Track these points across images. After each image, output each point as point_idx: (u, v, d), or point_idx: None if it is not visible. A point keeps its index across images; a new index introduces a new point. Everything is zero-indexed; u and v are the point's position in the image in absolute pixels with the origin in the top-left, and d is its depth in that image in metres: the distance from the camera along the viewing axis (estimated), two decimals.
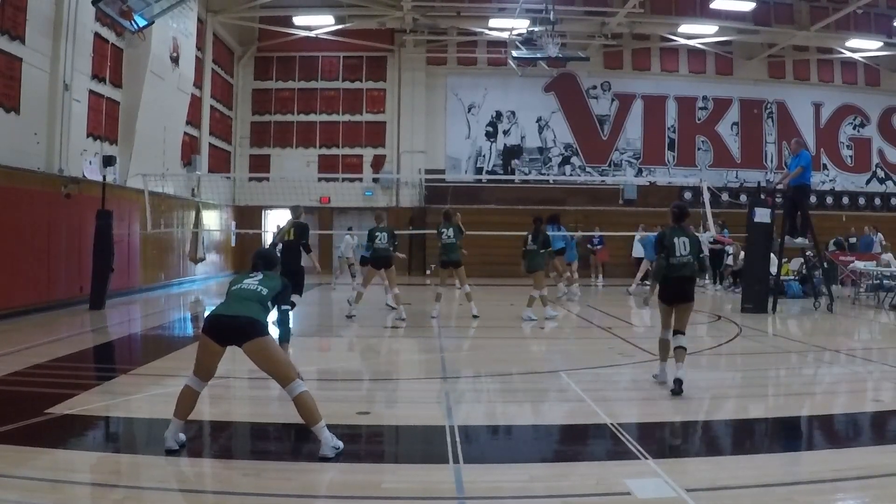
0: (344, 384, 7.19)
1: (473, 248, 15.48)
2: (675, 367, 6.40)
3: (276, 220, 24.37)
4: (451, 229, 11.77)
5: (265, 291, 4.88)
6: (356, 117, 24.81)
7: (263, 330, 4.68)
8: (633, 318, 13.70)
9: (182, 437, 4.73)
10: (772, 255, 13.56)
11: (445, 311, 13.06)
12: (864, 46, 23.48)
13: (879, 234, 21.14)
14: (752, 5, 20.74)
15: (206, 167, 21.50)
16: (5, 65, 11.86)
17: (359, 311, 11.64)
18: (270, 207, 24.43)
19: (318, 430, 4.56)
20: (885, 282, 14.69)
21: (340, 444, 4.60)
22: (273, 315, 5.09)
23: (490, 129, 25.17)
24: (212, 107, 21.94)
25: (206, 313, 4.92)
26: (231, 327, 4.65)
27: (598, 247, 21.65)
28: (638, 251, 20.95)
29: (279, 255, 8.93)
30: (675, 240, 6.63)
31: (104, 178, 13.54)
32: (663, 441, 5.27)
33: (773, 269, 13.76)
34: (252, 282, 4.94)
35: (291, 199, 22.87)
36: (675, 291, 6.63)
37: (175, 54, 17.31)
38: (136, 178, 15.55)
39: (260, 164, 24.72)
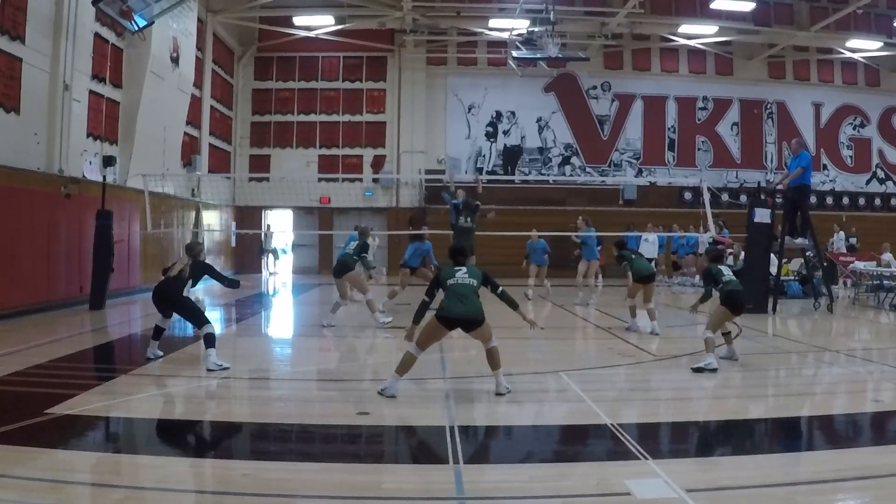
0: (344, 384, 7.18)
1: None
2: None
3: (275, 221, 24.45)
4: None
5: (475, 283, 6.40)
6: (356, 117, 24.82)
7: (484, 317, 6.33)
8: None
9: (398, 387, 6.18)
10: (772, 255, 13.56)
11: None
12: (864, 46, 23.49)
13: (842, 231, 21.21)
14: (752, 5, 20.74)
15: (206, 167, 21.50)
16: (5, 65, 11.86)
17: (360, 311, 11.64)
18: (270, 208, 24.45)
19: (497, 373, 6.30)
20: (884, 282, 14.69)
21: (510, 388, 6.25)
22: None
23: (490, 129, 25.18)
24: (212, 107, 21.95)
25: (443, 308, 6.28)
26: (466, 321, 6.27)
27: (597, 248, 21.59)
28: (644, 251, 20.92)
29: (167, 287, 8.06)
30: (720, 267, 8.46)
31: (104, 178, 13.55)
32: (663, 441, 5.27)
33: (773, 270, 13.76)
34: (464, 277, 6.39)
35: (292, 200, 23.17)
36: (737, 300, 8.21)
37: (175, 54, 17.31)
38: (136, 178, 15.54)
39: (260, 164, 24.72)
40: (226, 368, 7.48)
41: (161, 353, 8.17)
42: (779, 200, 13.93)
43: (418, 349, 6.27)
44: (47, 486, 3.99)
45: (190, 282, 8.22)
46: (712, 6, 20.78)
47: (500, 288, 6.60)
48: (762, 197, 13.75)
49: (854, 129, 26.21)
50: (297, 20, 22.51)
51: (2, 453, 4.46)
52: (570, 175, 24.95)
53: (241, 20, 22.73)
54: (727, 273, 8.32)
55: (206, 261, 8.60)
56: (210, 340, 7.65)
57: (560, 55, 18.81)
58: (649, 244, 20.73)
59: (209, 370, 7.44)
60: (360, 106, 24.90)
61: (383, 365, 8.29)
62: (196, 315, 7.93)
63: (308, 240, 24.79)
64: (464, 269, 6.47)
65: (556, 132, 25.28)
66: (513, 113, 25.22)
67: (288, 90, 24.87)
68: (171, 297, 8.01)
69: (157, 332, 8.24)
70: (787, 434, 5.53)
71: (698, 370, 7.34)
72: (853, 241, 21.81)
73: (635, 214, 23.39)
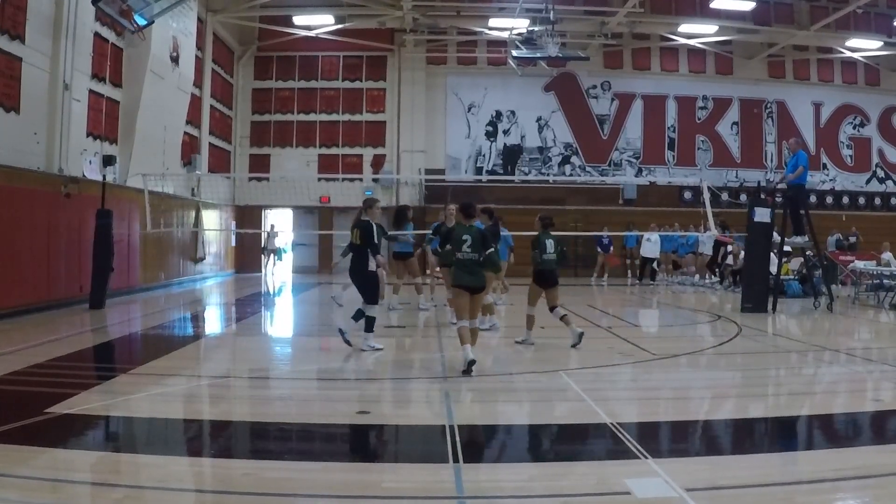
0: (344, 384, 7.19)
1: None
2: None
3: (275, 220, 24.43)
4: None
5: (478, 256, 7.37)
6: (356, 117, 24.80)
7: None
8: (632, 318, 13.69)
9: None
10: (772, 254, 13.56)
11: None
12: (864, 46, 23.48)
13: (837, 234, 21.24)
14: (752, 5, 20.73)
15: (206, 167, 21.49)
16: (5, 64, 11.84)
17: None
18: (270, 207, 24.44)
19: (465, 349, 7.17)
20: (884, 281, 14.69)
21: (472, 358, 7.05)
22: None
23: (490, 128, 25.16)
24: (212, 106, 21.93)
25: (460, 278, 7.49)
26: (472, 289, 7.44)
27: (611, 248, 21.70)
28: (646, 250, 21.05)
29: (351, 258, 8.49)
30: (547, 241, 8.84)
31: (104, 177, 13.54)
32: (663, 441, 5.27)
33: (773, 269, 13.76)
34: (468, 250, 7.37)
35: (291, 199, 23.17)
36: (547, 278, 8.94)
37: (175, 54, 17.31)
38: (136, 178, 15.54)
39: (260, 164, 24.71)
40: (379, 349, 8.35)
41: (379, 346, 8.46)
42: (779, 200, 13.92)
43: (465, 321, 7.36)
44: (47, 486, 3.99)
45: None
46: (712, 5, 20.77)
47: (490, 250, 7.50)
48: (762, 196, 13.75)
49: (854, 128, 26.19)
50: (297, 20, 22.50)
51: (2, 452, 4.45)
52: (570, 174, 24.92)
53: (241, 20, 22.72)
54: (550, 248, 8.75)
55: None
56: (370, 324, 8.37)
57: (560, 54, 18.81)
58: (652, 244, 20.87)
59: (362, 350, 8.27)
60: (360, 105, 24.88)
61: (383, 364, 8.30)
62: (371, 293, 8.37)
63: (308, 239, 24.79)
64: (469, 239, 7.41)
65: (555, 131, 25.27)
66: (513, 112, 25.21)
67: (288, 90, 24.85)
68: (356, 268, 8.30)
69: (360, 316, 8.42)
70: (786, 433, 5.53)
71: (520, 342, 8.86)
72: (853, 239, 21.83)
73: (635, 214, 23.42)
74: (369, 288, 8.37)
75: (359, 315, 8.43)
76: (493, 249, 7.50)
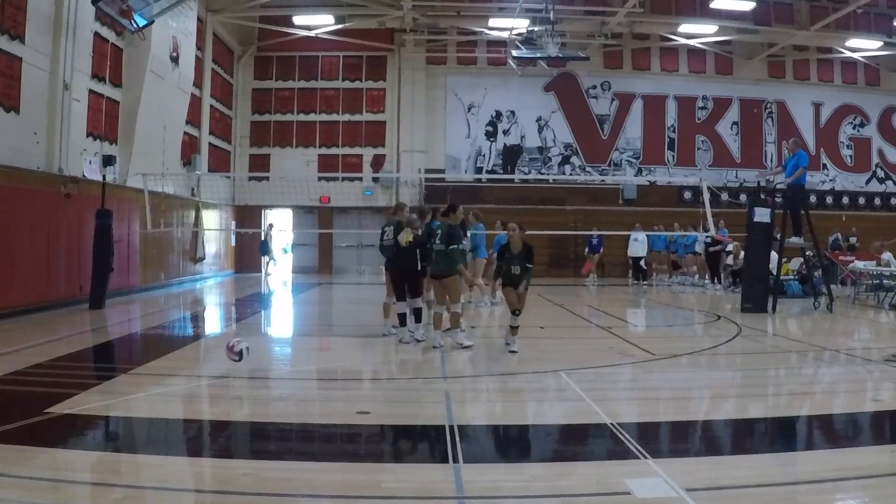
0: (344, 384, 7.19)
1: None
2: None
3: (274, 220, 24.42)
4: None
5: (444, 247, 8.51)
6: (356, 117, 24.81)
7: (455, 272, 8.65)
8: (632, 318, 13.70)
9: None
10: (774, 253, 13.54)
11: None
12: (864, 46, 23.49)
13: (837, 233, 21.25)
14: (752, 5, 20.73)
15: (206, 167, 21.50)
16: (5, 64, 11.84)
17: (360, 311, 11.62)
18: (270, 207, 24.45)
19: (453, 332, 8.52)
20: (884, 281, 14.68)
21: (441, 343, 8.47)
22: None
23: (490, 128, 25.17)
24: (212, 106, 21.93)
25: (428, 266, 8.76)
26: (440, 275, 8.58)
27: (601, 248, 21.66)
28: (633, 249, 21.07)
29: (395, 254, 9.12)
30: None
31: (104, 177, 13.54)
32: (663, 440, 5.27)
33: (774, 269, 13.75)
34: (437, 242, 8.55)
35: (291, 199, 23.17)
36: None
37: (175, 54, 17.30)
38: (136, 178, 15.54)
39: (260, 164, 24.72)
40: (420, 341, 8.94)
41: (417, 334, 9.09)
42: (779, 200, 13.91)
43: (441, 308, 8.59)
44: (47, 486, 3.99)
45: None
46: (712, 5, 20.76)
47: (452, 247, 8.48)
48: (762, 196, 13.74)
49: (854, 128, 26.20)
50: (297, 20, 22.51)
51: (1, 452, 4.45)
52: (570, 174, 24.94)
53: (241, 20, 22.72)
54: (437, 240, 8.86)
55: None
56: (418, 315, 9.08)
57: (560, 55, 18.80)
58: (639, 243, 20.93)
59: (403, 342, 8.99)
60: (360, 105, 24.89)
61: (383, 364, 8.30)
62: (419, 289, 9.08)
63: (308, 239, 24.80)
64: (439, 233, 8.57)
65: (555, 131, 25.27)
66: (513, 112, 25.21)
67: (288, 90, 24.86)
68: (408, 265, 8.91)
69: (402, 318, 9.18)
70: (786, 433, 5.53)
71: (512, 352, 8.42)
72: (853, 240, 21.83)
73: (635, 214, 23.40)
74: (419, 283, 9.14)
75: (419, 314, 9.13)
76: (452, 248, 8.48)
